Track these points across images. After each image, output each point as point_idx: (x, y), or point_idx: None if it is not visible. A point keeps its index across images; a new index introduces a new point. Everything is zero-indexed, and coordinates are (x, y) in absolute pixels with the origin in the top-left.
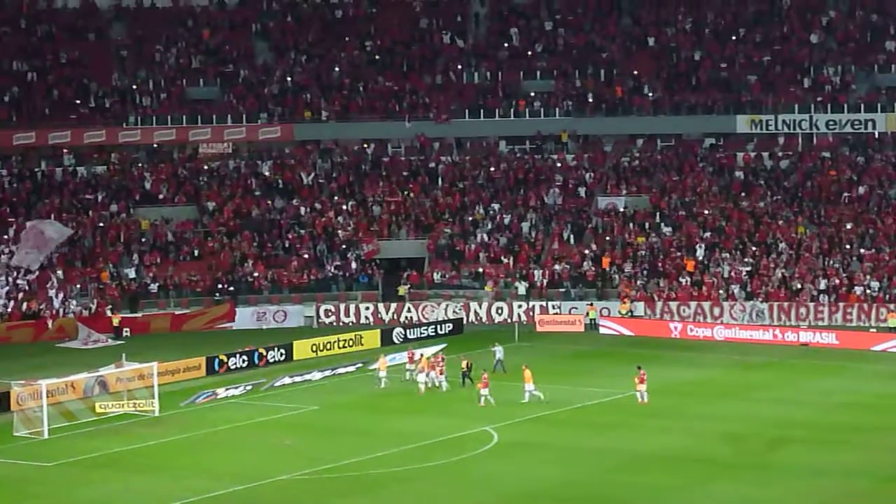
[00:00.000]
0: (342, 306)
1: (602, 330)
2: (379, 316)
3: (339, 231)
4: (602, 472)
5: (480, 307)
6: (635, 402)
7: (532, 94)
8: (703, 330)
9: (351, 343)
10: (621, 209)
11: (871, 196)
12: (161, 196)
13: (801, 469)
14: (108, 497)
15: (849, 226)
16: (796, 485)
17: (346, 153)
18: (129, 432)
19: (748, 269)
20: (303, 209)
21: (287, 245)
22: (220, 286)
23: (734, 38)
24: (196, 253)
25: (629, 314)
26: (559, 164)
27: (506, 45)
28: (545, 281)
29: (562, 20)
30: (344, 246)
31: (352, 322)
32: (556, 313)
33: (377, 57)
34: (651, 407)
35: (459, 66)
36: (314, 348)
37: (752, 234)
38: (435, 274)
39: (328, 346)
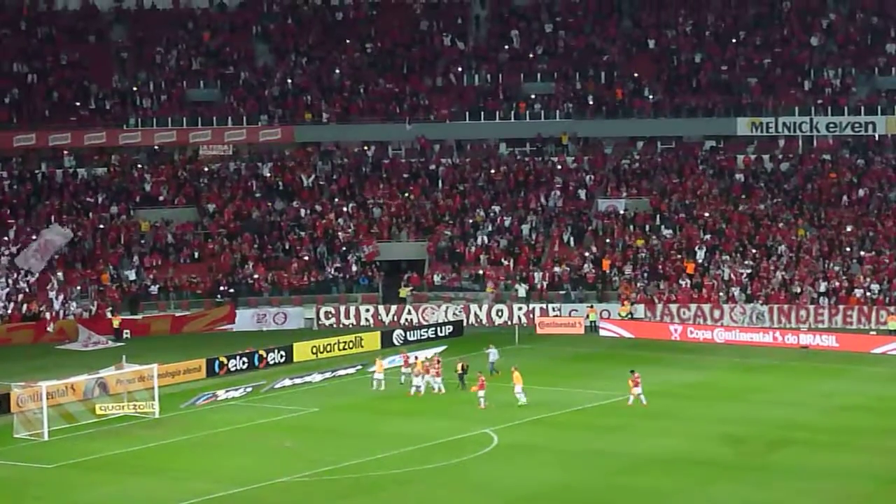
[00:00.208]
0: (342, 308)
1: (602, 332)
2: (379, 318)
3: (340, 233)
4: (602, 475)
5: (480, 309)
6: (635, 404)
7: (532, 96)
8: (704, 332)
9: (351, 345)
10: (621, 211)
11: (871, 199)
12: (161, 198)
13: (801, 471)
14: (108, 499)
15: (849, 228)
16: (796, 487)
17: (347, 155)
18: (130, 434)
19: (748, 271)
20: (303, 211)
21: (287, 247)
22: (220, 288)
23: (734, 40)
24: (196, 255)
25: (629, 316)
26: (559, 167)
27: (506, 47)
28: (545, 283)
29: (562, 22)
30: (344, 248)
31: (352, 324)
32: (557, 315)
33: (377, 59)
34: (651, 409)
35: (460, 69)
36: (314, 350)
37: (752, 237)
38: (435, 276)
39: (328, 348)
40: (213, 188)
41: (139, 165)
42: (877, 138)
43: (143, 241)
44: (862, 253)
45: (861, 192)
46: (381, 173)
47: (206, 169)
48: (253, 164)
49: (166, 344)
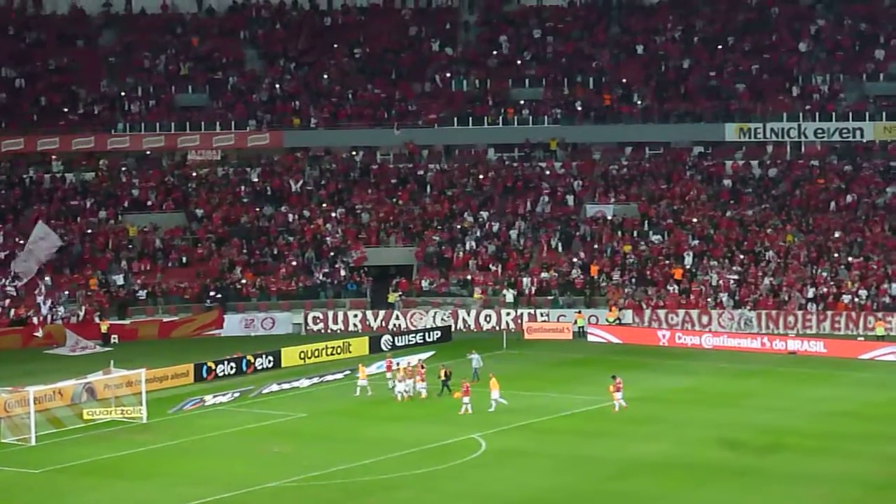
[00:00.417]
0: (330, 313)
1: (590, 338)
2: (367, 323)
3: (328, 238)
4: (590, 480)
5: (469, 315)
6: (615, 410)
7: (521, 101)
8: (692, 338)
9: (339, 350)
10: (610, 217)
11: (859, 205)
12: (150, 203)
13: (789, 476)
14: None
15: (837, 234)
16: (785, 492)
17: (335, 160)
18: (117, 439)
19: (736, 277)
20: (291, 216)
21: (276, 252)
22: (208, 293)
23: (723, 46)
24: (184, 260)
25: (617, 322)
26: (548, 172)
27: (495, 52)
28: (533, 289)
29: (551, 28)
30: (332, 253)
31: (340, 329)
32: (545, 321)
33: (366, 64)
34: (639, 414)
35: (448, 74)
36: (302, 355)
37: (740, 243)
38: (423, 281)
39: (316, 354)
40: (202, 193)
41: (127, 170)
42: (865, 144)
43: (131, 246)
44: (850, 259)
45: (849, 198)
46: (370, 178)
47: (194, 174)
48: (241, 170)
49: (154, 349)
